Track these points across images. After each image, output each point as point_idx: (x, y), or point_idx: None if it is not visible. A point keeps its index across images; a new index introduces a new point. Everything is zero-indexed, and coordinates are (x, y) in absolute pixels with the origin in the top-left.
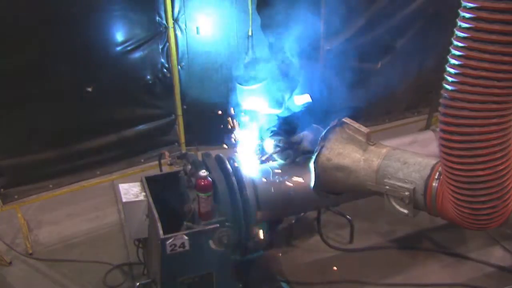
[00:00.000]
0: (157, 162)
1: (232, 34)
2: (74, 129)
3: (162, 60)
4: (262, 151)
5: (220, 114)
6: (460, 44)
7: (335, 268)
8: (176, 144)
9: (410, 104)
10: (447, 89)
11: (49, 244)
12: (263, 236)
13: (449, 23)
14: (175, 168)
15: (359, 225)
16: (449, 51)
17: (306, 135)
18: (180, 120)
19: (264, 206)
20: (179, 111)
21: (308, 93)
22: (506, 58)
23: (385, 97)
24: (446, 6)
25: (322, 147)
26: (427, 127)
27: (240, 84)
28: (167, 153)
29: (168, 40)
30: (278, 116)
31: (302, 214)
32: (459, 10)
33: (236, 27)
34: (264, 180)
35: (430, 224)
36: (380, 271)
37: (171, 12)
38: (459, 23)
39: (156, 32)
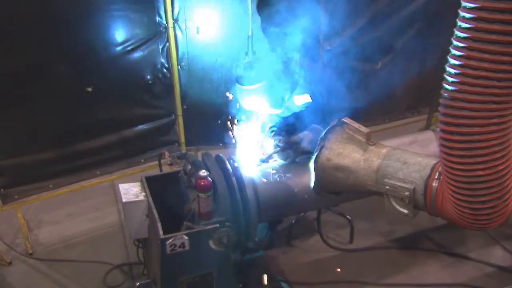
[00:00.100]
0: (157, 162)
1: (232, 34)
2: (74, 129)
3: (162, 60)
4: (262, 151)
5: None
6: (460, 44)
7: (338, 269)
8: (176, 144)
9: (410, 104)
10: (447, 89)
11: (49, 244)
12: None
13: (449, 23)
14: (175, 168)
15: (359, 225)
16: (449, 51)
17: (306, 135)
18: (180, 120)
19: (264, 206)
20: (179, 111)
21: (308, 93)
22: (506, 58)
23: (385, 97)
24: (446, 6)
25: (322, 147)
26: (427, 127)
27: (240, 84)
28: (167, 153)
29: (168, 40)
30: (278, 116)
31: (302, 214)
32: (459, 10)
33: (236, 27)
34: (264, 180)
35: (430, 224)
36: (380, 271)
37: (171, 12)
38: (459, 23)
39: (156, 32)
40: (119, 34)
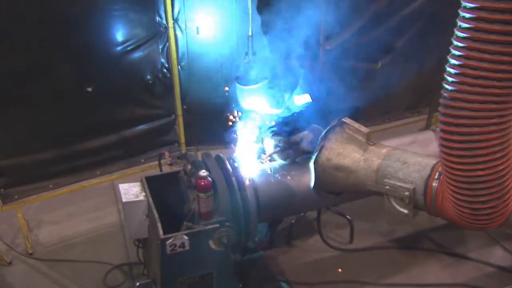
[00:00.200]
0: (157, 162)
1: (232, 34)
2: (74, 129)
3: (162, 60)
4: (262, 151)
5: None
6: (460, 44)
7: (340, 270)
8: (176, 144)
9: (410, 104)
10: (447, 89)
11: (49, 244)
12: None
13: (449, 23)
14: (175, 168)
15: (359, 225)
16: (449, 51)
17: (306, 135)
18: (180, 120)
19: (264, 206)
20: (179, 111)
21: (308, 93)
22: (505, 58)
23: (385, 97)
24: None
25: (322, 147)
26: (427, 127)
27: (240, 84)
28: (167, 153)
29: (168, 40)
30: (278, 116)
31: (302, 214)
32: (459, 10)
33: (236, 27)
34: (264, 180)
35: (430, 224)
36: (380, 271)
37: (171, 12)
38: (459, 23)
39: (156, 32)
40: (119, 34)
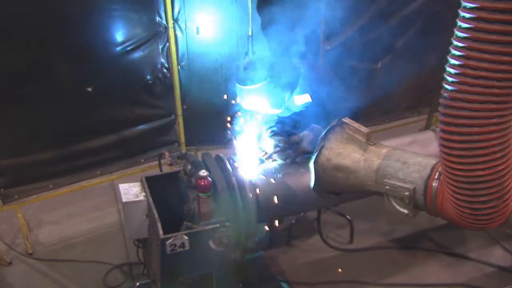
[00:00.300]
0: (157, 162)
1: (232, 34)
2: (74, 129)
3: (162, 60)
4: (262, 151)
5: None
6: (460, 44)
7: (340, 270)
8: (176, 144)
9: (410, 104)
10: (447, 89)
11: (49, 244)
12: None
13: (449, 23)
14: (175, 168)
15: (359, 225)
16: (449, 51)
17: (306, 135)
18: (180, 120)
19: (264, 206)
20: (179, 111)
21: (308, 93)
22: (505, 58)
23: (385, 97)
24: (446, 6)
25: (322, 147)
26: (427, 127)
27: (240, 84)
28: (167, 153)
29: (168, 40)
30: (278, 116)
31: (302, 214)
32: (459, 10)
33: (236, 27)
34: (264, 180)
35: (430, 224)
36: (380, 271)
37: (171, 12)
38: (459, 23)
39: (156, 32)
40: (119, 34)
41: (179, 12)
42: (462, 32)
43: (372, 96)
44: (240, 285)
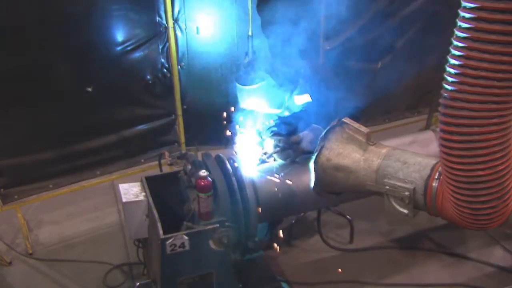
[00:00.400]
0: (157, 162)
1: (232, 34)
2: (74, 129)
3: (162, 60)
4: (262, 151)
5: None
6: (460, 44)
7: (340, 270)
8: (176, 144)
9: (410, 104)
10: (447, 89)
11: (49, 244)
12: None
13: (449, 23)
14: (175, 168)
15: (359, 225)
16: (449, 51)
17: (306, 135)
18: (180, 120)
19: (264, 206)
20: (179, 111)
21: (308, 93)
22: (505, 58)
23: (385, 97)
24: (446, 6)
25: (322, 147)
26: (427, 127)
27: (240, 84)
28: (167, 153)
29: (168, 40)
30: (278, 116)
31: (302, 214)
32: (459, 10)
33: (236, 27)
34: (264, 180)
35: (430, 224)
36: (380, 271)
37: (171, 12)
38: (459, 23)
39: (156, 32)
40: (119, 34)
41: (179, 12)
42: (462, 32)
43: (372, 96)
44: (240, 285)
